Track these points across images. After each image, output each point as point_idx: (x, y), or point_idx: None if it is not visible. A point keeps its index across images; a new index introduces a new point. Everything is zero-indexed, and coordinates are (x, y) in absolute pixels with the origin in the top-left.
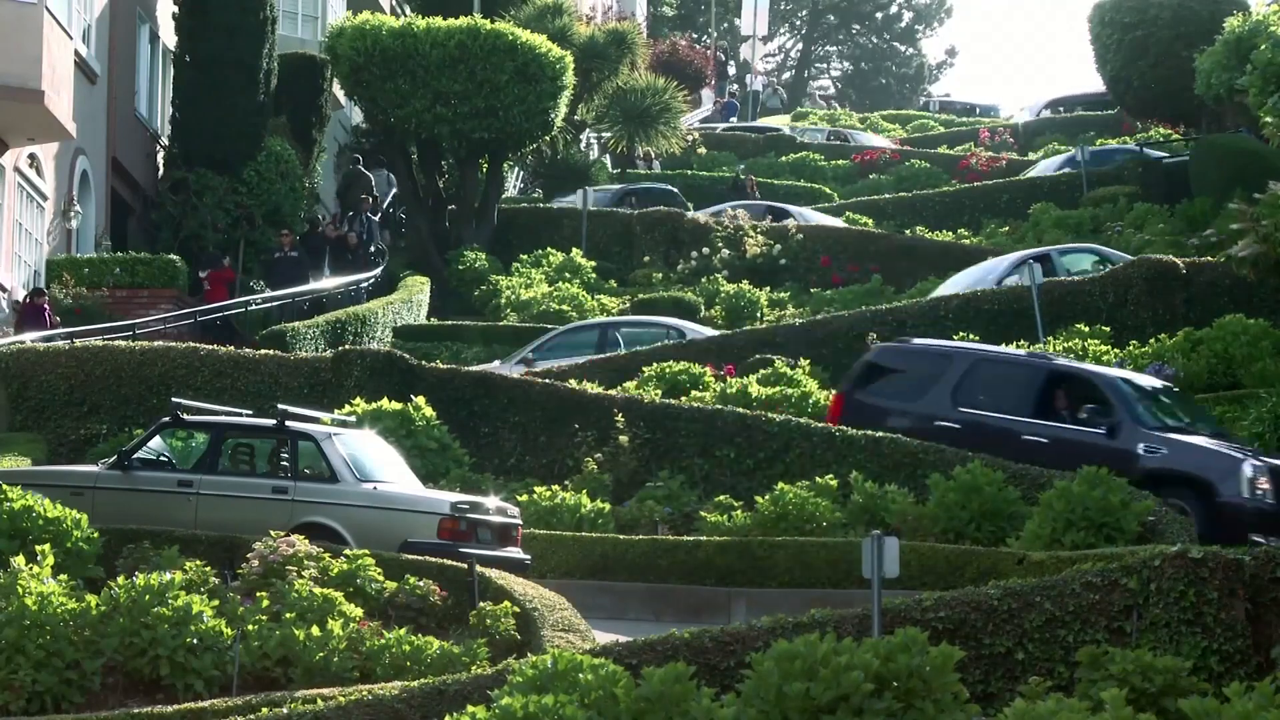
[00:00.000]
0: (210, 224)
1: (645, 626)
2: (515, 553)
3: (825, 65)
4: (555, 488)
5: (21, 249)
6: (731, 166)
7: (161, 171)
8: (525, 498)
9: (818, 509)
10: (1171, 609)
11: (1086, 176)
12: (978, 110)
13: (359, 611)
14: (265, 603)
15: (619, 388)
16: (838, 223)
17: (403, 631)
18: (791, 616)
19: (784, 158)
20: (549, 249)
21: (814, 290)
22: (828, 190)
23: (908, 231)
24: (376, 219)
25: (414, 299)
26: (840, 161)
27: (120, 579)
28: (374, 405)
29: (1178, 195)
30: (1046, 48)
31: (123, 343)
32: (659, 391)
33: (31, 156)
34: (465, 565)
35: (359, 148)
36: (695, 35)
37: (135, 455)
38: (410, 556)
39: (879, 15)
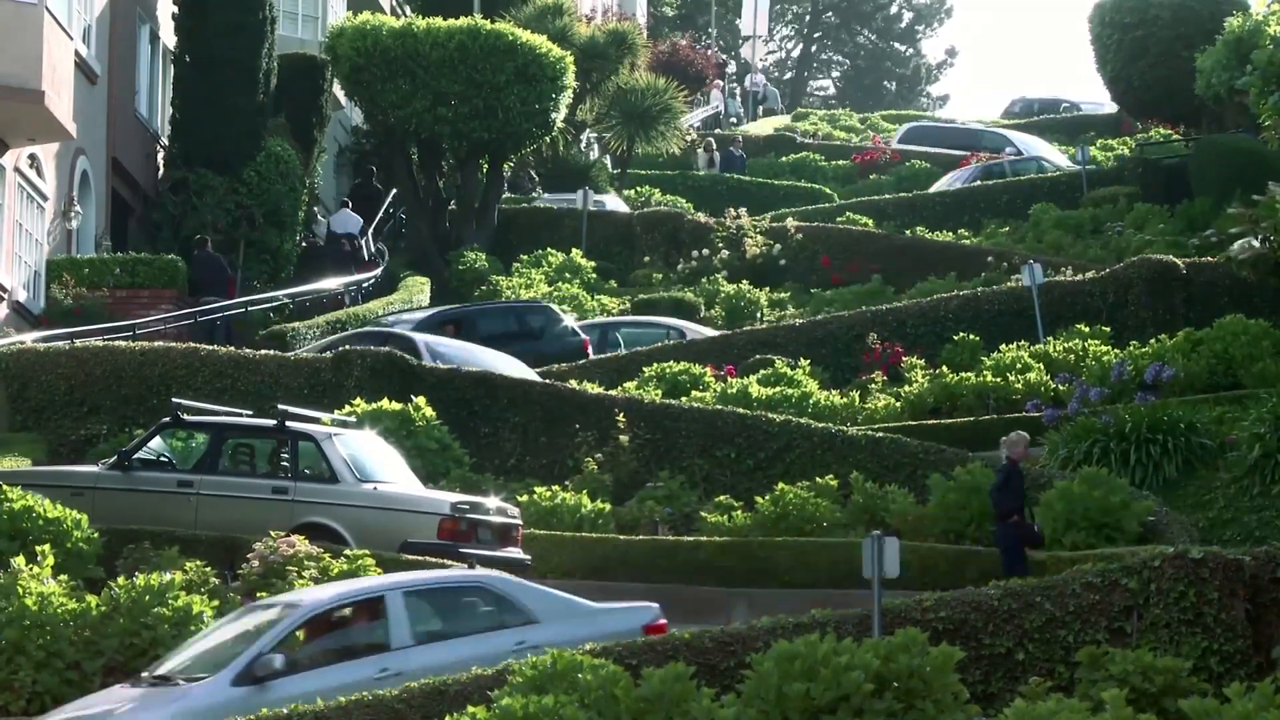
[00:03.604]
0: (210, 224)
1: None
2: (515, 553)
3: (827, 64)
4: (555, 488)
5: (21, 249)
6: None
7: (161, 171)
8: (525, 498)
9: (818, 509)
10: (1171, 609)
11: (1087, 176)
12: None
13: None
14: None
15: (619, 388)
16: None
17: None
18: (792, 617)
19: (784, 158)
20: (549, 249)
21: (814, 290)
22: (828, 190)
23: (908, 231)
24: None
25: (414, 299)
26: (840, 161)
27: (120, 579)
28: (374, 406)
29: (1178, 195)
30: (1047, 48)
31: (123, 343)
32: (659, 392)
33: (31, 156)
34: (465, 565)
35: (360, 149)
36: (696, 35)
37: (135, 455)
38: (410, 557)
39: (879, 16)
